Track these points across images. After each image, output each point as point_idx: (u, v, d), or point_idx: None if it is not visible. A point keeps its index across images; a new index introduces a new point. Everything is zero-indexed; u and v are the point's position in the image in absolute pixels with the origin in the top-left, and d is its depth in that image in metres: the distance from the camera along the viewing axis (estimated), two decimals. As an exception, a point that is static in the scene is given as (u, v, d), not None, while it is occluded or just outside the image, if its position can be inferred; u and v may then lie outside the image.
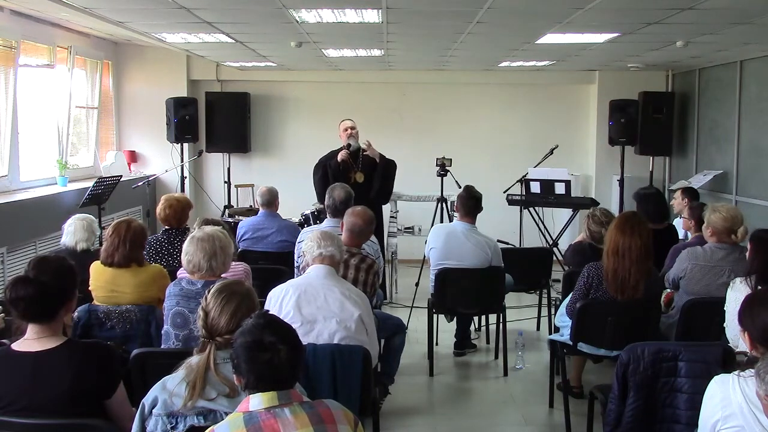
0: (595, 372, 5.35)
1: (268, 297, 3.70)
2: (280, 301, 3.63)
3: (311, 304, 3.61)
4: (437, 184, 7.42)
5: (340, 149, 7.08)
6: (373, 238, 5.01)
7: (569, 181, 7.99)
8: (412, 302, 6.79)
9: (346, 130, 7.13)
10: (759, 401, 2.31)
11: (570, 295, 4.58)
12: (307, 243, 3.85)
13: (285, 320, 2.41)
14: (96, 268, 4.00)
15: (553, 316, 5.67)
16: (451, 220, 6.90)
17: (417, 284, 6.79)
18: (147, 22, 6.07)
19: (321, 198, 7.07)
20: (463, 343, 6.07)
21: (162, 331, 3.51)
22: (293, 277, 4.23)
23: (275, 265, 5.24)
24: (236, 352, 2.14)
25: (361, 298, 3.73)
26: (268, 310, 2.63)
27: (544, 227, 8.23)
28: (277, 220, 6.05)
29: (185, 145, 9.23)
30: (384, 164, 7.15)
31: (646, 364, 3.26)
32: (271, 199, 6.10)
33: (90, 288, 3.97)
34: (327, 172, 7.01)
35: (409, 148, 9.48)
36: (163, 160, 9.33)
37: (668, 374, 3.27)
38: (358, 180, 6.92)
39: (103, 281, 3.95)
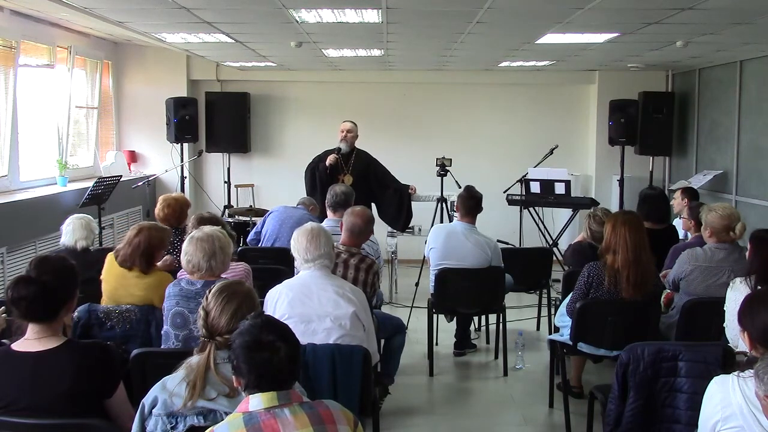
0: (595, 372, 5.35)
1: (265, 299, 3.69)
2: (275, 303, 3.63)
3: (305, 304, 3.60)
4: (437, 184, 7.42)
5: (333, 149, 7.13)
6: (373, 237, 5.02)
7: (569, 181, 7.99)
8: (412, 302, 6.80)
9: (342, 132, 7.17)
10: (758, 402, 2.31)
11: (570, 295, 4.58)
12: (294, 253, 3.81)
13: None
14: (109, 260, 4.03)
15: (553, 316, 5.67)
16: (451, 220, 6.91)
17: (417, 284, 6.79)
18: (147, 22, 6.07)
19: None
20: (463, 343, 6.07)
21: (162, 332, 3.51)
22: (293, 277, 4.22)
23: (275, 264, 5.24)
24: (235, 353, 2.14)
25: (355, 294, 3.71)
26: (264, 311, 2.63)
27: (544, 227, 8.24)
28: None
29: (185, 145, 9.22)
30: (408, 195, 7.36)
31: (646, 364, 3.26)
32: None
33: (101, 277, 4.01)
34: (315, 174, 7.07)
35: (409, 147, 9.50)
36: (163, 160, 9.33)
37: (668, 374, 3.27)
38: (347, 182, 6.93)
39: (113, 275, 3.99)
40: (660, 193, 6.16)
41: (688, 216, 5.38)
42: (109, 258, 4.06)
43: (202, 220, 4.48)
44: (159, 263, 4.12)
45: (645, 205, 5.72)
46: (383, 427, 4.23)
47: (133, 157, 9.51)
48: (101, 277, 4.03)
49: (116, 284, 3.96)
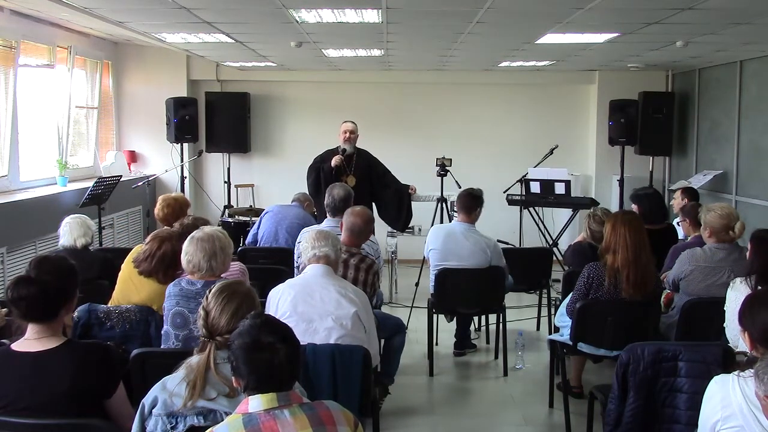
0: (595, 372, 5.35)
1: (267, 298, 3.70)
2: (277, 302, 3.64)
3: (307, 303, 3.61)
4: (437, 184, 7.43)
5: (335, 149, 7.11)
6: (373, 237, 5.02)
7: (569, 181, 7.99)
8: (412, 302, 6.79)
9: (345, 133, 7.14)
10: (758, 401, 2.31)
11: (570, 295, 4.58)
12: (303, 243, 3.88)
13: (282, 320, 2.41)
14: (127, 268, 4.03)
15: (553, 316, 5.67)
16: (450, 220, 6.90)
17: (417, 284, 6.79)
18: (147, 22, 6.07)
19: (314, 200, 7.14)
20: (463, 343, 6.07)
21: (162, 331, 3.51)
22: (293, 277, 4.23)
23: (275, 265, 5.24)
24: (234, 354, 2.13)
25: (357, 295, 3.72)
26: (263, 311, 2.63)
27: (544, 227, 8.24)
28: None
29: (185, 145, 9.22)
30: (408, 195, 7.34)
31: (646, 364, 3.26)
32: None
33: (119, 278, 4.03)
34: (320, 175, 7.05)
35: (409, 148, 9.50)
36: (163, 160, 9.33)
37: (668, 374, 3.27)
38: (350, 183, 6.92)
39: (126, 273, 4.00)
40: (653, 191, 6.09)
41: (681, 216, 5.38)
42: (128, 266, 4.03)
43: (186, 227, 4.42)
44: None
45: (640, 205, 5.69)
46: (383, 427, 4.24)
47: (133, 157, 9.51)
48: (118, 278, 4.02)
49: (133, 288, 3.96)
